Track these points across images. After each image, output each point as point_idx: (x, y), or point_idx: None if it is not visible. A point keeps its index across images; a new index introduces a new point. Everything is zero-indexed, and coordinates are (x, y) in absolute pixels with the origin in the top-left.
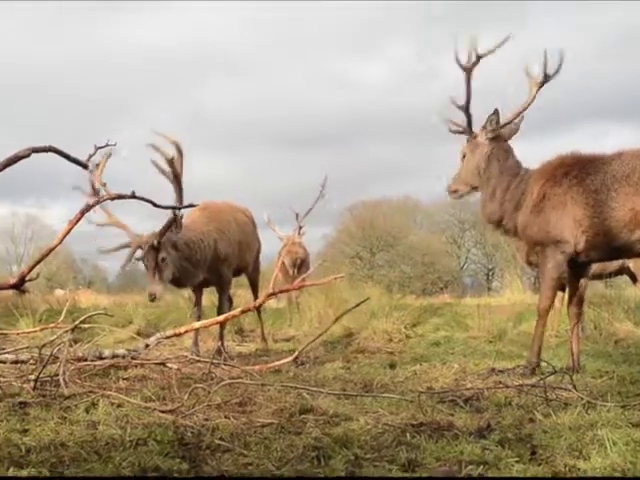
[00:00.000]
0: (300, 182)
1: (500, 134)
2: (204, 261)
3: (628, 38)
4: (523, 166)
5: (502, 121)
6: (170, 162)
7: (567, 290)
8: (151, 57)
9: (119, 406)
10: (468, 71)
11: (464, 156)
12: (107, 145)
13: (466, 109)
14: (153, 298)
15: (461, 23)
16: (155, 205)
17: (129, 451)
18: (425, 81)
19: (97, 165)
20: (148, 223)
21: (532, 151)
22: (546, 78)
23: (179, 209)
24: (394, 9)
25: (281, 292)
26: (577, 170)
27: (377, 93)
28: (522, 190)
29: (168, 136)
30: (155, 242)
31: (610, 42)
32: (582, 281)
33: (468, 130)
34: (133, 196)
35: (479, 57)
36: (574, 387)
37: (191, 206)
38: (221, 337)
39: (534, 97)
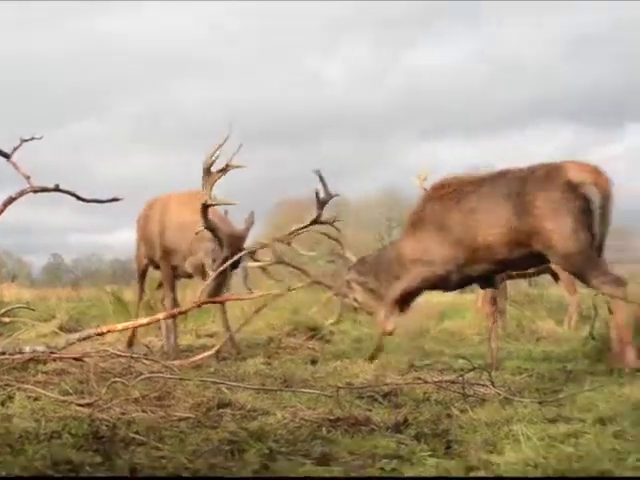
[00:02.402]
0: (253, 177)
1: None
2: None
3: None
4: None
5: None
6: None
7: (484, 291)
8: (124, 54)
9: (36, 400)
10: None
11: None
12: (33, 138)
13: None
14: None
15: (416, 24)
16: (79, 198)
17: (43, 444)
18: (377, 81)
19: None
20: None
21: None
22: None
23: (101, 202)
24: (353, 9)
25: (207, 303)
26: (454, 191)
27: (335, 91)
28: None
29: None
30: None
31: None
32: (497, 282)
33: None
34: (57, 189)
35: None
36: (492, 383)
37: (116, 200)
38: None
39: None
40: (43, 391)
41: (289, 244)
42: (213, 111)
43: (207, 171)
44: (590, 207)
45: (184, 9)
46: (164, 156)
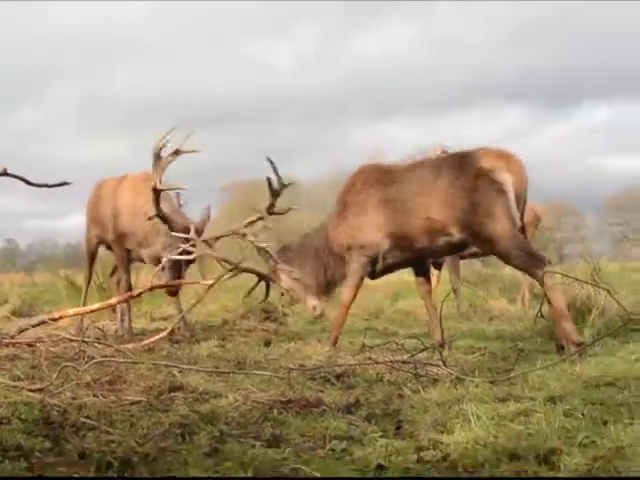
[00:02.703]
0: (200, 162)
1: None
2: None
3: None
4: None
5: None
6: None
7: (416, 276)
8: (59, 39)
9: None
10: None
11: None
12: None
13: None
14: None
15: (370, 6)
16: (28, 183)
17: None
18: (325, 64)
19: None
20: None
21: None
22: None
23: (50, 187)
24: None
25: (160, 287)
26: (376, 179)
27: (284, 74)
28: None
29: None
30: None
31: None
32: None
33: None
34: (5, 173)
35: None
36: (444, 363)
37: (64, 184)
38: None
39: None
40: None
41: (244, 236)
42: (159, 95)
43: (157, 156)
44: (504, 192)
45: None
46: (111, 141)
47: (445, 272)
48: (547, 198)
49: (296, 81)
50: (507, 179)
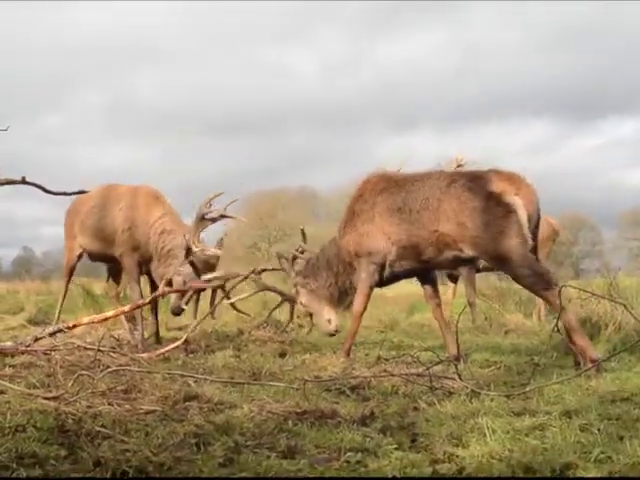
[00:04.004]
0: (220, 169)
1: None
2: None
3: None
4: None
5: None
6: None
7: (424, 288)
8: (75, 44)
9: (2, 393)
10: None
11: None
12: None
13: None
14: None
15: (394, 13)
16: (45, 191)
17: (7, 437)
18: (347, 72)
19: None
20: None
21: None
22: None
23: (68, 195)
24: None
25: (170, 293)
26: (383, 187)
27: (305, 82)
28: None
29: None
30: None
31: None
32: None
33: None
34: (23, 182)
35: None
36: (459, 376)
37: (82, 192)
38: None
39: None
40: (9, 384)
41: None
42: (178, 101)
43: (201, 217)
44: (515, 212)
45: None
46: (130, 147)
47: (461, 285)
48: (565, 210)
49: (317, 89)
50: (517, 201)
